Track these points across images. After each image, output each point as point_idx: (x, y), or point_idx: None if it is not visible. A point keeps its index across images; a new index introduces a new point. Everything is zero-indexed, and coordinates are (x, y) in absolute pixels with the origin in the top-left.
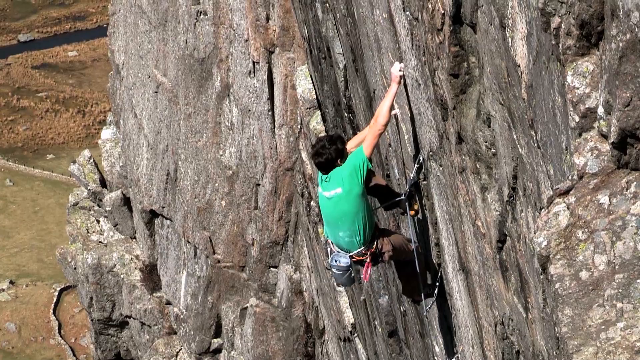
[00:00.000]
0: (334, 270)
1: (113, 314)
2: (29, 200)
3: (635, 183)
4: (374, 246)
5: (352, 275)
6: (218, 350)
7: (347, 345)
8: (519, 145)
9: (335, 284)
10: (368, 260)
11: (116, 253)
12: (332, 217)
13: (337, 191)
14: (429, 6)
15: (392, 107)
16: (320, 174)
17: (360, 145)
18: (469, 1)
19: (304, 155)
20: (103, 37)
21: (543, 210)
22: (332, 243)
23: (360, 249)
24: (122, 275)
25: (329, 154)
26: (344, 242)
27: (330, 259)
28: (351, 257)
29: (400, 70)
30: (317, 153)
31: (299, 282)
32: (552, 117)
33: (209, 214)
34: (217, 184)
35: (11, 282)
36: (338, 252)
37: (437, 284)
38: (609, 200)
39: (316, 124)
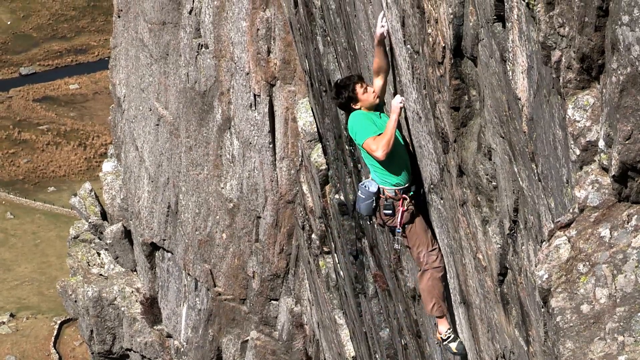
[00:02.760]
0: (359, 193)
1: (114, 347)
2: (29, 233)
3: (636, 216)
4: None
5: (374, 205)
6: None
7: None
8: (519, 178)
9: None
10: (402, 207)
11: (117, 286)
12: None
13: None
14: (430, 40)
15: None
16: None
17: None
18: (469, 35)
19: (304, 187)
20: (104, 70)
21: (544, 243)
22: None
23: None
24: (122, 308)
25: (341, 96)
26: (374, 176)
27: (361, 183)
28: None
29: (400, 102)
30: (335, 96)
31: (299, 315)
32: (553, 150)
33: (209, 247)
34: (218, 217)
35: (11, 315)
36: (373, 180)
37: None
38: (610, 233)
39: (317, 156)
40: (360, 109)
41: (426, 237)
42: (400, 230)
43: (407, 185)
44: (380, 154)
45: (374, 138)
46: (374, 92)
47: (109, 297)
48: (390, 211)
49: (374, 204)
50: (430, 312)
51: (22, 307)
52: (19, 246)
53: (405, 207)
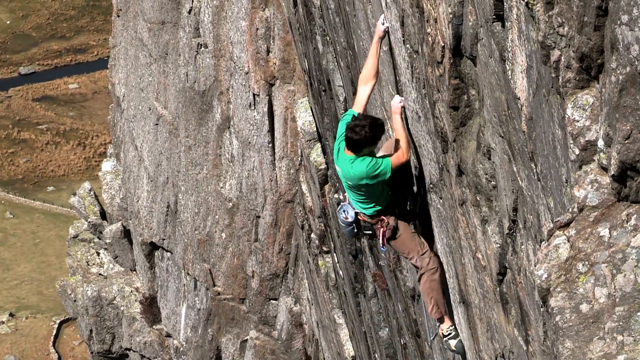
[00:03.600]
0: (340, 220)
1: (113, 347)
2: (29, 232)
3: (635, 216)
4: (379, 221)
5: (355, 230)
6: None
7: None
8: (519, 178)
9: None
10: (381, 227)
11: (116, 285)
12: (344, 183)
13: (346, 179)
14: (429, 39)
15: (408, 139)
16: (342, 127)
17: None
18: (469, 34)
19: (304, 187)
20: (104, 69)
21: (543, 242)
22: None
23: (366, 214)
24: (122, 308)
25: (363, 136)
26: (353, 203)
27: (339, 207)
28: (356, 214)
29: (400, 102)
30: (353, 129)
31: (299, 315)
32: (552, 149)
33: (209, 246)
34: (217, 216)
35: (11, 315)
36: (349, 203)
37: None
38: (610, 232)
39: (316, 156)
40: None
41: (414, 243)
42: (385, 249)
43: (385, 208)
44: (408, 156)
45: (392, 154)
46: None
47: (108, 296)
48: (370, 232)
49: (355, 228)
50: (430, 314)
51: (22, 307)
52: (19, 246)
53: (385, 227)
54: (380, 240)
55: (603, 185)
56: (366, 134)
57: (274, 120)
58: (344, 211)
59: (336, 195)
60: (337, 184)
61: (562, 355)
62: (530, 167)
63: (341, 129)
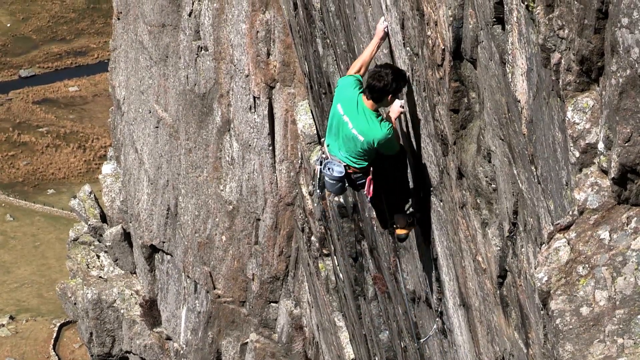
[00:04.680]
0: (326, 178)
1: (113, 350)
2: (29, 235)
3: (635, 219)
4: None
5: (345, 185)
6: None
7: None
8: (519, 181)
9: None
10: (370, 176)
11: (116, 288)
12: (339, 136)
13: (357, 134)
14: (429, 42)
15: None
16: (350, 84)
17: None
18: (469, 37)
19: (304, 190)
20: (104, 72)
21: (543, 245)
22: (328, 151)
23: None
24: (122, 311)
25: (388, 82)
26: (341, 157)
27: (322, 165)
28: (346, 167)
29: (401, 107)
30: (376, 75)
31: (299, 318)
32: (553, 152)
33: (209, 249)
34: (217, 219)
35: (11, 318)
36: (333, 159)
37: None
38: (610, 235)
39: (317, 158)
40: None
41: None
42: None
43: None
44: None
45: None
46: None
47: (109, 299)
48: (363, 180)
49: (345, 183)
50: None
51: (22, 310)
52: (19, 248)
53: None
54: (366, 190)
55: (603, 188)
56: (391, 81)
57: (274, 123)
58: (329, 169)
59: (336, 199)
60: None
61: (562, 358)
62: (531, 170)
63: (345, 86)
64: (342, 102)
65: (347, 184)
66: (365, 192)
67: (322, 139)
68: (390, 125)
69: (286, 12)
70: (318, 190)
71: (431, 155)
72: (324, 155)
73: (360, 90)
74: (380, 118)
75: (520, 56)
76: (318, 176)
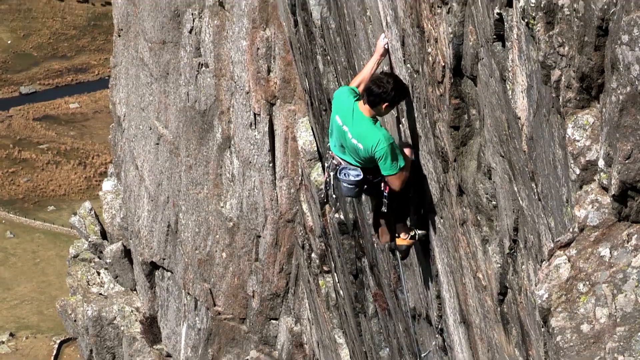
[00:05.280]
0: (343, 184)
1: None
2: (29, 252)
3: (636, 236)
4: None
5: (363, 188)
6: None
7: None
8: (519, 198)
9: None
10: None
11: (116, 305)
12: (345, 147)
13: (356, 143)
14: (430, 59)
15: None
16: (345, 94)
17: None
18: (469, 54)
19: (304, 207)
20: (105, 89)
21: (544, 262)
22: (339, 157)
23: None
24: (122, 328)
25: (388, 90)
26: (354, 163)
27: (336, 172)
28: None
29: (385, 41)
30: (377, 81)
31: (299, 335)
32: (553, 169)
33: (209, 266)
34: (217, 236)
35: (11, 335)
36: (348, 165)
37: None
38: (610, 252)
39: (317, 175)
40: (374, 117)
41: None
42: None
43: None
44: (397, 188)
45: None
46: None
47: (109, 316)
48: (378, 178)
49: (363, 186)
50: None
51: (22, 327)
52: (19, 265)
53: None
54: (384, 187)
55: (604, 205)
56: (390, 89)
57: (275, 139)
58: (345, 174)
59: (337, 215)
60: (338, 204)
61: None
62: (531, 187)
63: (341, 96)
64: (339, 112)
65: (364, 187)
66: (383, 189)
67: (327, 144)
68: (389, 133)
69: (287, 29)
70: (334, 196)
71: (431, 172)
72: (334, 162)
73: (356, 99)
74: (378, 124)
75: (520, 73)
76: (331, 183)
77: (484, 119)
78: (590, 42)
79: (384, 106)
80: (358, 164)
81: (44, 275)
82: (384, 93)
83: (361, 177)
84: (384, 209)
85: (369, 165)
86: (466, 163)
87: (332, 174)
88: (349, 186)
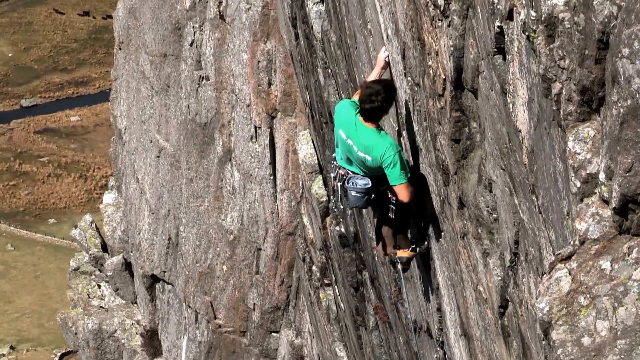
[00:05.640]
0: (352, 193)
1: None
2: (30, 265)
3: (637, 249)
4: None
5: (371, 197)
6: None
7: None
8: (520, 211)
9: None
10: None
11: (117, 318)
12: (352, 160)
13: (363, 155)
14: (430, 72)
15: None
16: (346, 107)
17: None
18: (470, 67)
19: (305, 219)
20: (105, 102)
21: (545, 275)
22: (346, 169)
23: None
24: (123, 341)
25: (379, 106)
26: (357, 171)
27: (344, 181)
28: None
29: (385, 54)
30: (368, 98)
31: (300, 348)
32: (554, 182)
33: (210, 279)
34: (218, 249)
35: (12, 348)
36: (355, 174)
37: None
38: (611, 266)
39: (318, 188)
40: (378, 126)
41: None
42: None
43: None
44: (406, 198)
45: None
46: None
47: (109, 329)
48: (385, 186)
49: (371, 195)
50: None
51: (22, 340)
52: (20, 278)
53: None
54: (392, 195)
55: (604, 218)
56: (382, 100)
57: (275, 152)
58: (353, 183)
59: (337, 228)
60: (339, 216)
61: None
62: (532, 200)
63: (342, 110)
64: (342, 126)
65: (373, 195)
66: (390, 197)
67: (333, 155)
68: (394, 141)
69: (287, 42)
70: (341, 206)
71: (432, 184)
72: (341, 172)
73: (357, 111)
74: (382, 132)
75: (521, 86)
76: (339, 192)
77: (484, 132)
78: (590, 55)
79: (385, 114)
80: (365, 174)
81: (44, 288)
82: (380, 108)
83: (369, 185)
84: (390, 215)
85: (377, 174)
86: (467, 176)
87: (339, 184)
88: (358, 195)
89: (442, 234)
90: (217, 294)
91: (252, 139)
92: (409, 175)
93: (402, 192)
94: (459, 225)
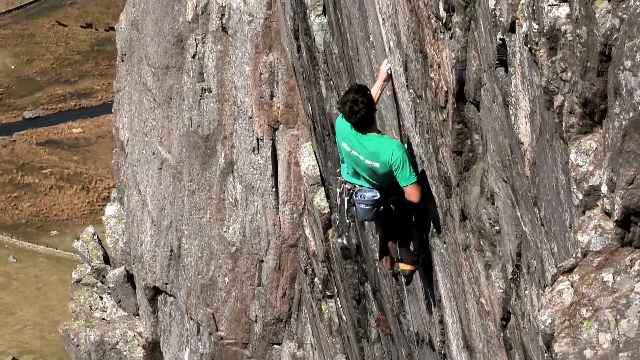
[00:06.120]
0: (361, 205)
1: None
2: (32, 276)
3: (639, 261)
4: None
5: (380, 209)
6: None
7: None
8: (522, 223)
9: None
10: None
11: (119, 330)
12: (359, 171)
13: (371, 163)
14: (433, 84)
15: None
16: (343, 121)
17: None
18: (472, 79)
19: (307, 231)
20: (108, 114)
21: (547, 288)
22: (353, 183)
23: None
24: (125, 352)
25: (367, 111)
26: (364, 184)
27: (352, 195)
28: (380, 190)
29: (388, 66)
30: (351, 110)
31: (302, 359)
32: (556, 194)
33: (212, 291)
34: (220, 261)
35: (14, 359)
36: (362, 187)
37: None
38: (613, 278)
39: (320, 200)
40: (378, 131)
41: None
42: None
43: None
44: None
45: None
46: None
47: (111, 341)
48: (393, 197)
49: (380, 207)
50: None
51: (24, 351)
52: (22, 290)
53: None
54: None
55: (607, 230)
56: (367, 104)
57: (278, 164)
58: (361, 196)
59: (340, 240)
60: (341, 228)
61: None
62: (534, 212)
63: (343, 123)
64: (344, 139)
65: (381, 208)
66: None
67: (338, 170)
68: (399, 141)
69: (290, 54)
70: (347, 221)
71: (434, 196)
72: (347, 186)
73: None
74: (385, 136)
75: (523, 98)
76: (345, 207)
77: (487, 144)
78: (593, 67)
79: (374, 118)
80: (373, 186)
81: (46, 300)
82: (366, 114)
83: (378, 197)
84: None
85: (385, 183)
86: (469, 188)
87: (346, 199)
88: (366, 207)
89: (445, 246)
90: (219, 306)
91: (254, 151)
92: (418, 172)
93: (413, 192)
94: (461, 238)
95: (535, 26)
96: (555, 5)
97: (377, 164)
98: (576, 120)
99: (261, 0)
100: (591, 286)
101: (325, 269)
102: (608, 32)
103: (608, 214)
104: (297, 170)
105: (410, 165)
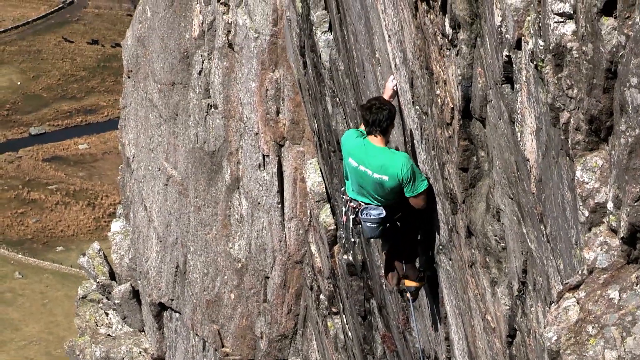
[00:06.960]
0: (367, 224)
1: None
2: (37, 292)
3: None
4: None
5: (386, 226)
6: None
7: None
8: (528, 240)
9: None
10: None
11: (125, 346)
12: (365, 187)
13: (380, 176)
14: (439, 101)
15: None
16: (352, 135)
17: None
18: (478, 96)
19: (313, 248)
20: (114, 130)
21: (553, 304)
22: (358, 201)
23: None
24: None
25: (389, 112)
26: (369, 201)
27: (357, 213)
28: (385, 207)
29: (393, 82)
30: (370, 108)
31: None
32: (562, 211)
33: (217, 307)
34: (226, 277)
35: None
36: (368, 205)
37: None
38: (619, 295)
39: (325, 216)
40: (386, 145)
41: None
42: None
43: None
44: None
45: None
46: None
47: (117, 357)
48: (399, 214)
49: (386, 224)
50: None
51: None
52: (27, 306)
53: None
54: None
55: (613, 247)
56: (390, 108)
57: (283, 180)
58: (367, 214)
59: (345, 257)
60: (347, 245)
61: None
62: (540, 229)
63: (349, 139)
64: (351, 155)
65: (387, 225)
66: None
67: (343, 188)
68: (406, 153)
69: (296, 70)
70: (352, 239)
71: (440, 213)
72: (352, 205)
73: (364, 136)
74: (392, 150)
75: (529, 115)
76: (350, 226)
77: (492, 161)
78: (599, 84)
79: (390, 129)
80: (379, 203)
81: (52, 316)
82: (389, 113)
83: (383, 214)
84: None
85: (391, 199)
86: (475, 205)
87: (352, 217)
88: (372, 225)
89: (450, 262)
90: (224, 322)
91: (260, 167)
92: (426, 180)
93: (419, 202)
94: (467, 254)
95: (542, 43)
96: (561, 22)
97: (385, 177)
98: (582, 137)
99: (267, 17)
100: (597, 303)
101: (331, 286)
102: (614, 49)
103: (614, 231)
104: (302, 186)
105: (419, 175)
